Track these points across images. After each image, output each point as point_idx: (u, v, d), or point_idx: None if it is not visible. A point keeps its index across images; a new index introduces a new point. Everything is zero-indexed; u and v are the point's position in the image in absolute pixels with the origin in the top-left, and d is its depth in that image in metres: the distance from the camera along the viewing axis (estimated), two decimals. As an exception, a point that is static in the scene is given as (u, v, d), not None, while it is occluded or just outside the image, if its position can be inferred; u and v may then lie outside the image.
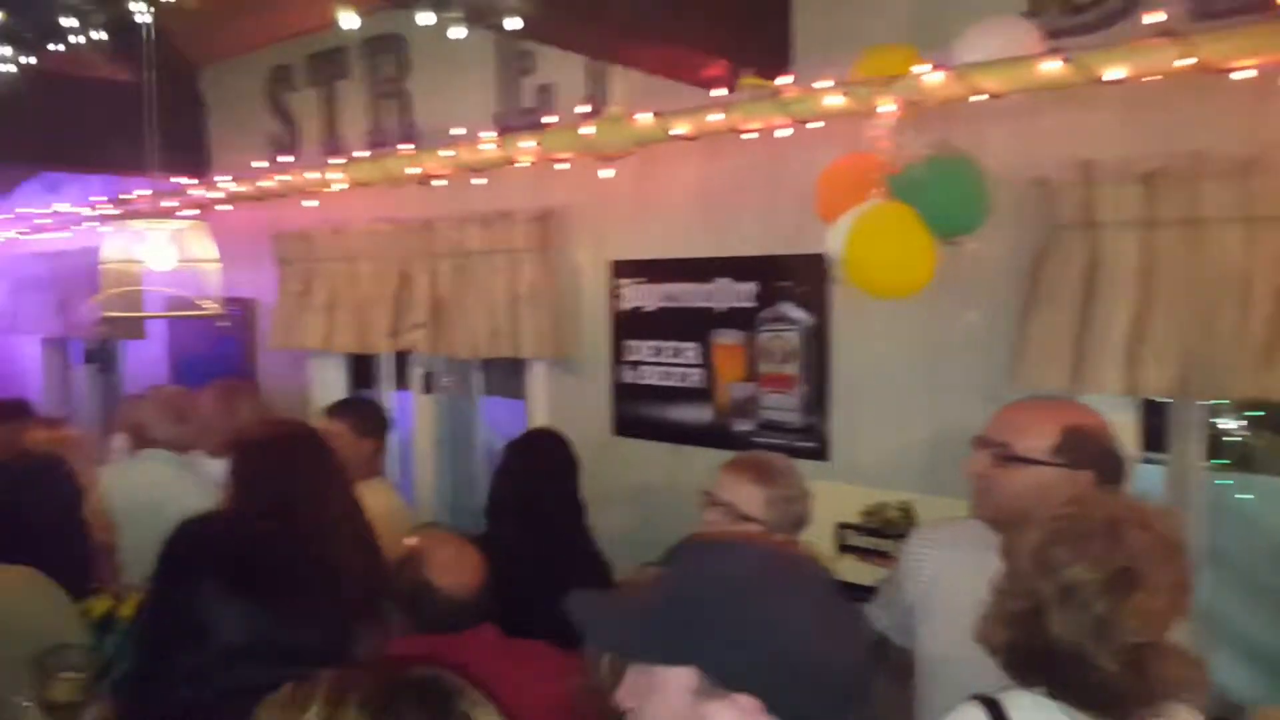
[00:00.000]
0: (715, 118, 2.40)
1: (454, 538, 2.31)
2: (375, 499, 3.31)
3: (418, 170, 3.34)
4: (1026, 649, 1.34)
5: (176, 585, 1.61)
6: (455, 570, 2.14)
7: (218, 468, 3.75)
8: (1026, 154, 2.32)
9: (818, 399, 2.73)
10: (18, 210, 5.13)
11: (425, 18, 2.24)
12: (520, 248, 3.28)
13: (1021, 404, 1.85)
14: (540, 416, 3.53)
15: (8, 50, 3.65)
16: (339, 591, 2.45)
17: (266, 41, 3.96)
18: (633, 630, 1.07)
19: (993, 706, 1.34)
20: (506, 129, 3.24)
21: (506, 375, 4.29)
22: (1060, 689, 1.32)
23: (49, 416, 3.70)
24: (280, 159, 3.94)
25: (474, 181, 3.21)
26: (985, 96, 2.13)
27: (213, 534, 1.70)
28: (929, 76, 2.14)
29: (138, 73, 4.01)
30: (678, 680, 1.02)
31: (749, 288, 2.86)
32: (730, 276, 2.90)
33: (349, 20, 2.31)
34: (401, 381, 4.26)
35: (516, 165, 3.03)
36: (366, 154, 3.53)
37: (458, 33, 2.39)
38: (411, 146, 3.41)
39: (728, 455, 2.26)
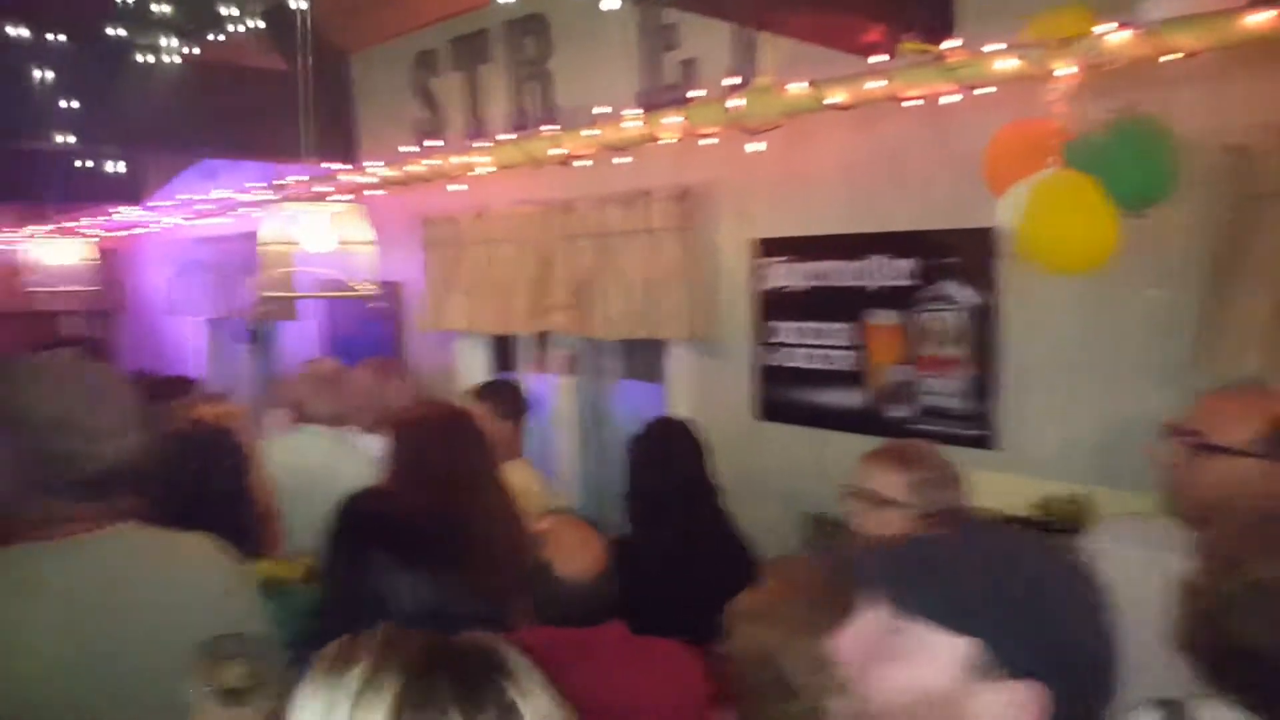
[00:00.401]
0: (875, 85, 2.28)
1: (580, 524, 2.28)
2: (517, 480, 3.36)
3: (560, 151, 3.34)
4: (1217, 653, 1.22)
5: (351, 558, 1.65)
6: (576, 557, 2.10)
7: (371, 443, 3.88)
8: (1219, 118, 2.12)
9: (984, 384, 2.58)
10: (179, 197, 5.41)
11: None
12: (660, 227, 3.24)
13: (1224, 391, 1.69)
14: (680, 401, 3.49)
15: (173, 41, 3.84)
16: (495, 568, 2.50)
17: (412, 27, 4.03)
18: (925, 582, 0.92)
19: (1175, 713, 1.23)
20: (650, 106, 3.19)
21: (647, 358, 4.28)
22: (1252, 697, 1.19)
23: (212, 392, 3.88)
24: (426, 143, 4.01)
25: (616, 161, 3.18)
26: (1177, 56, 1.95)
27: (381, 509, 1.73)
28: (1114, 36, 1.97)
29: (291, 61, 4.15)
30: (950, 651, 0.88)
31: (906, 265, 2.73)
32: (886, 253, 2.77)
33: (502, -2, 2.30)
34: (543, 363, 4.31)
35: (660, 142, 2.98)
36: (510, 136, 3.56)
37: (611, 3, 2.35)
38: (554, 127, 3.41)
39: (880, 442, 2.15)
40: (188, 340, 6.40)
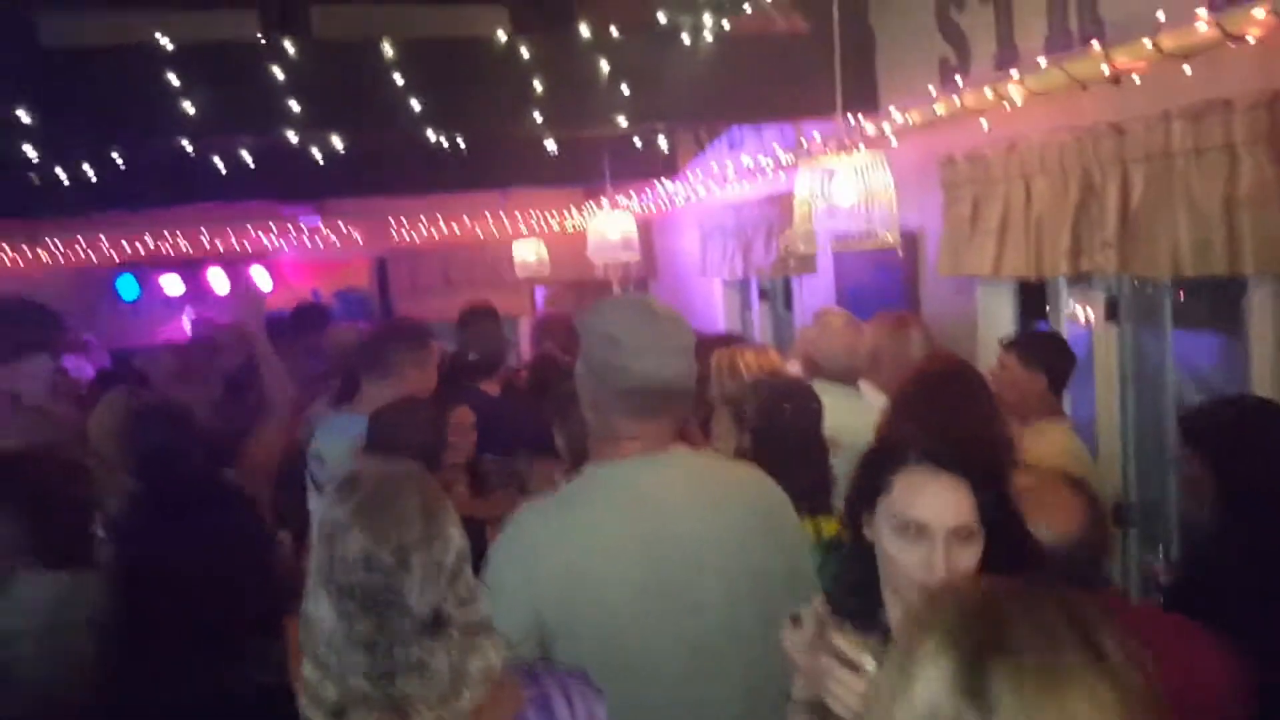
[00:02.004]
0: None
1: (1063, 482, 2.03)
2: (1049, 441, 3.12)
3: (1107, 69, 3.01)
4: None
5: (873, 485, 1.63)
6: (1056, 517, 1.87)
7: (881, 399, 3.88)
8: None
9: None
10: (711, 166, 5.89)
11: None
12: (1244, 140, 2.76)
13: None
14: (1264, 354, 2.97)
15: (707, 19, 4.15)
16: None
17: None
18: None
19: None
20: (1222, 4, 2.74)
21: (1213, 302, 3.72)
22: None
23: (756, 344, 4.16)
24: (951, 80, 3.89)
25: (1186, 70, 2.78)
26: None
27: None
28: None
29: (814, 20, 4.27)
30: None
31: None
32: None
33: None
34: (1079, 310, 3.96)
35: (1243, 40, 2.55)
36: (1043, 61, 3.30)
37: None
38: (1096, 44, 3.09)
39: None
40: (713, 301, 6.98)
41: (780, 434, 2.64)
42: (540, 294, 9.13)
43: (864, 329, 3.71)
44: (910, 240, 4.32)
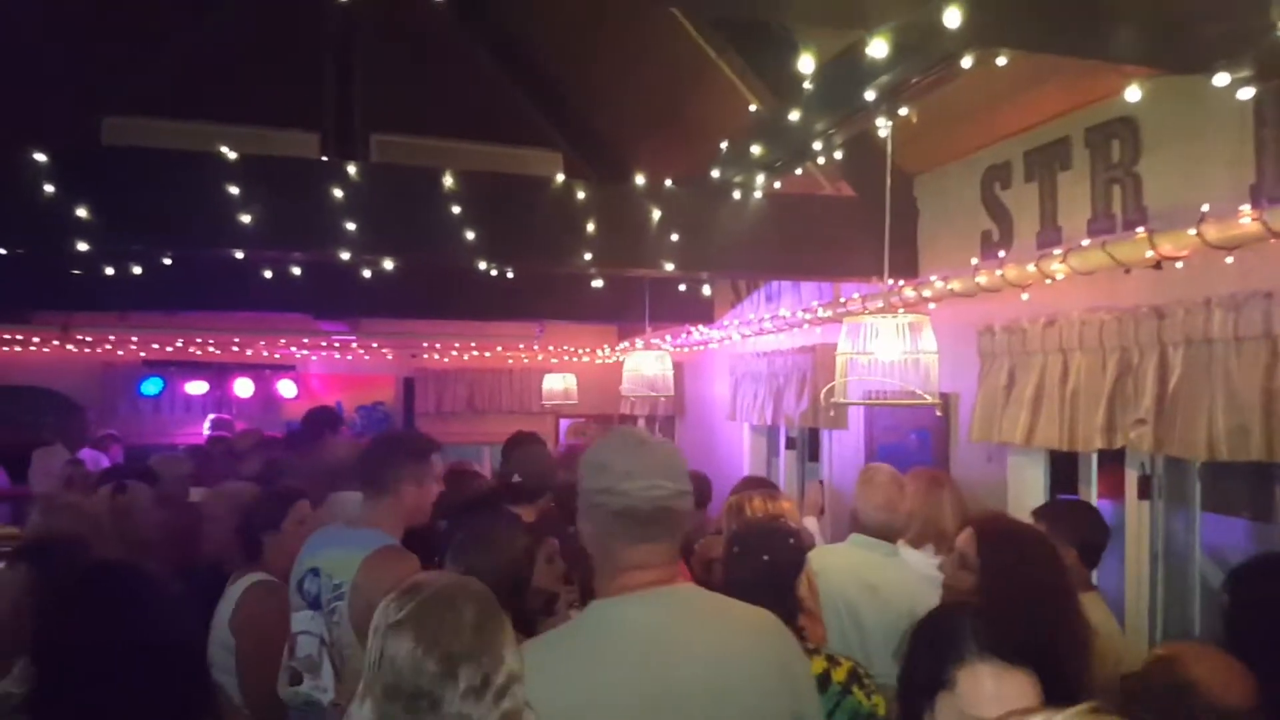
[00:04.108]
0: None
1: (1218, 652, 2.06)
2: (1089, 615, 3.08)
3: (1151, 254, 3.13)
4: None
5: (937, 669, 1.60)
6: (1232, 685, 1.90)
7: (919, 560, 3.85)
8: None
9: None
10: (749, 317, 6.04)
11: (1219, 79, 2.08)
12: (1284, 333, 2.84)
13: None
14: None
15: (759, 178, 4.34)
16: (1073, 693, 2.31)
17: (982, 144, 4.11)
18: None
19: None
20: (1267, 201, 2.87)
21: (1241, 487, 3.74)
22: None
23: (772, 490, 4.15)
24: (989, 254, 4.03)
25: (1227, 260, 2.89)
26: None
27: (976, 622, 1.65)
28: None
29: (860, 187, 4.46)
30: None
31: None
32: None
33: (1133, 93, 2.26)
34: (1106, 487, 3.97)
35: (1282, 238, 2.66)
36: (1087, 242, 3.43)
37: (1247, 94, 2.18)
38: (1140, 230, 3.22)
39: None
40: (739, 446, 7.01)
41: (749, 579, 2.60)
42: (564, 426, 9.19)
43: (907, 488, 3.71)
44: (943, 404, 4.38)
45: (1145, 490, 3.73)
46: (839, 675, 2.39)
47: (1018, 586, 2.33)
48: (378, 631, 1.31)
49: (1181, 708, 1.94)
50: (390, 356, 9.04)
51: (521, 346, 8.82)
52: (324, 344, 8.89)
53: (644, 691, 1.61)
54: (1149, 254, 3.09)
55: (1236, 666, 2.00)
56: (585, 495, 1.73)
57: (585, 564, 2.98)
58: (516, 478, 4.00)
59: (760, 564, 2.60)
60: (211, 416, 8.78)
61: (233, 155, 3.94)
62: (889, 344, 3.48)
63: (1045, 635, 2.23)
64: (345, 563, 2.82)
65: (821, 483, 5.51)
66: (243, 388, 9.21)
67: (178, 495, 5.07)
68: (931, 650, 1.56)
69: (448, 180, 4.21)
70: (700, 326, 6.95)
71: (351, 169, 4.11)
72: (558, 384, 8.10)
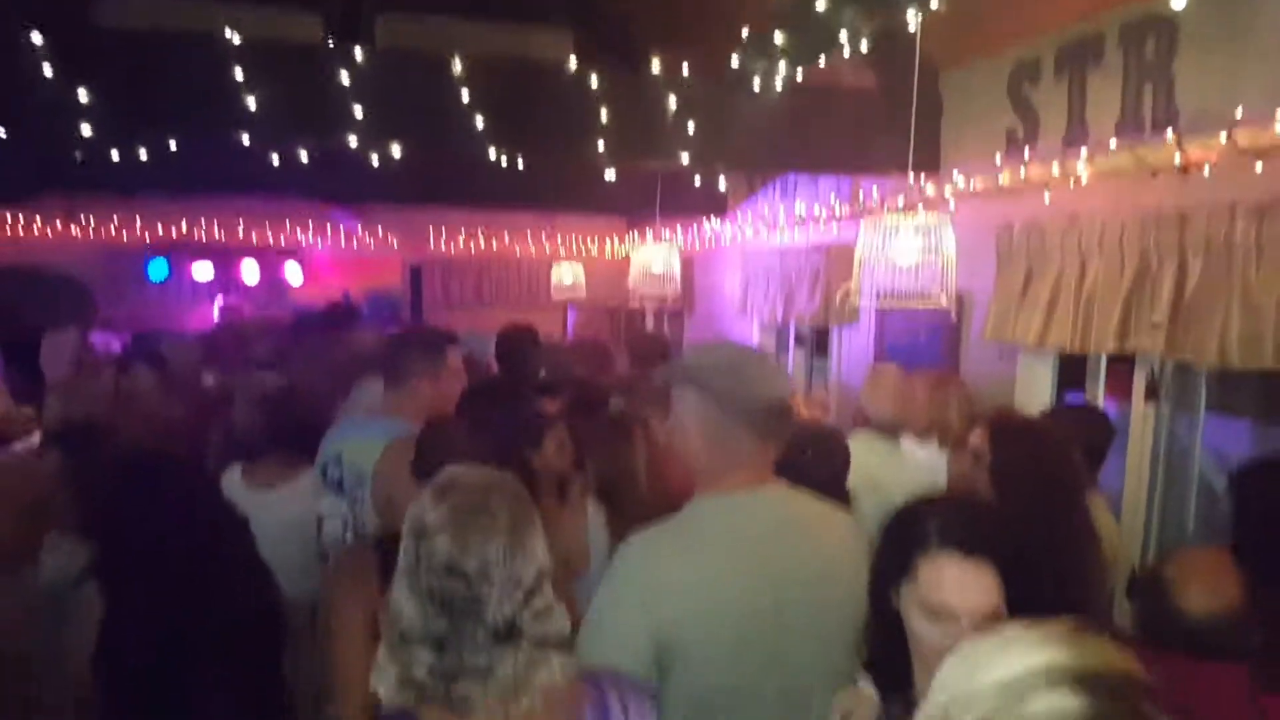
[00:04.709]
0: None
1: (1220, 555, 2.11)
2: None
3: (1179, 159, 3.07)
4: None
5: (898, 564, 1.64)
6: (1204, 583, 1.97)
7: (923, 453, 3.92)
8: None
9: None
10: (763, 210, 5.96)
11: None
12: (1309, 241, 2.81)
13: None
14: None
15: (781, 67, 4.22)
16: (1084, 593, 2.38)
17: (1012, 39, 3.98)
18: None
19: None
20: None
21: (1250, 391, 3.77)
22: None
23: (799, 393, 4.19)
24: (1014, 152, 3.95)
25: (1256, 166, 2.84)
26: None
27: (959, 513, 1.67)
28: None
29: (885, 79, 4.34)
30: None
31: None
32: None
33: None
34: (1112, 387, 4.00)
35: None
36: (1115, 144, 3.36)
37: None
38: (1170, 133, 3.15)
39: None
40: (748, 341, 7.01)
41: (797, 478, 2.66)
42: (572, 315, 9.19)
43: (916, 387, 3.74)
44: (957, 302, 4.37)
45: (1153, 393, 3.77)
46: None
47: (1029, 483, 2.36)
48: (413, 532, 1.34)
49: (1161, 609, 2.01)
50: (396, 245, 8.97)
51: (529, 234, 8.74)
52: (330, 229, 8.81)
53: (751, 580, 1.72)
54: (1177, 159, 3.04)
55: (1224, 569, 2.04)
56: (716, 396, 1.79)
57: (598, 453, 3.05)
58: (542, 373, 4.05)
59: (804, 461, 2.62)
60: (220, 301, 8.78)
61: (237, 39, 3.82)
62: (908, 244, 3.46)
63: (1055, 532, 2.30)
64: (367, 450, 2.92)
65: (827, 386, 5.56)
66: (249, 272, 9.15)
67: (188, 380, 5.12)
68: (897, 541, 1.61)
69: (456, 66, 4.10)
70: (713, 219, 6.87)
71: (358, 54, 4.00)
72: (566, 276, 8.06)
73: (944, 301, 3.48)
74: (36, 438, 4.11)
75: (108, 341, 7.84)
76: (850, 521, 1.98)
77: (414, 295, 9.24)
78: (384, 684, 1.30)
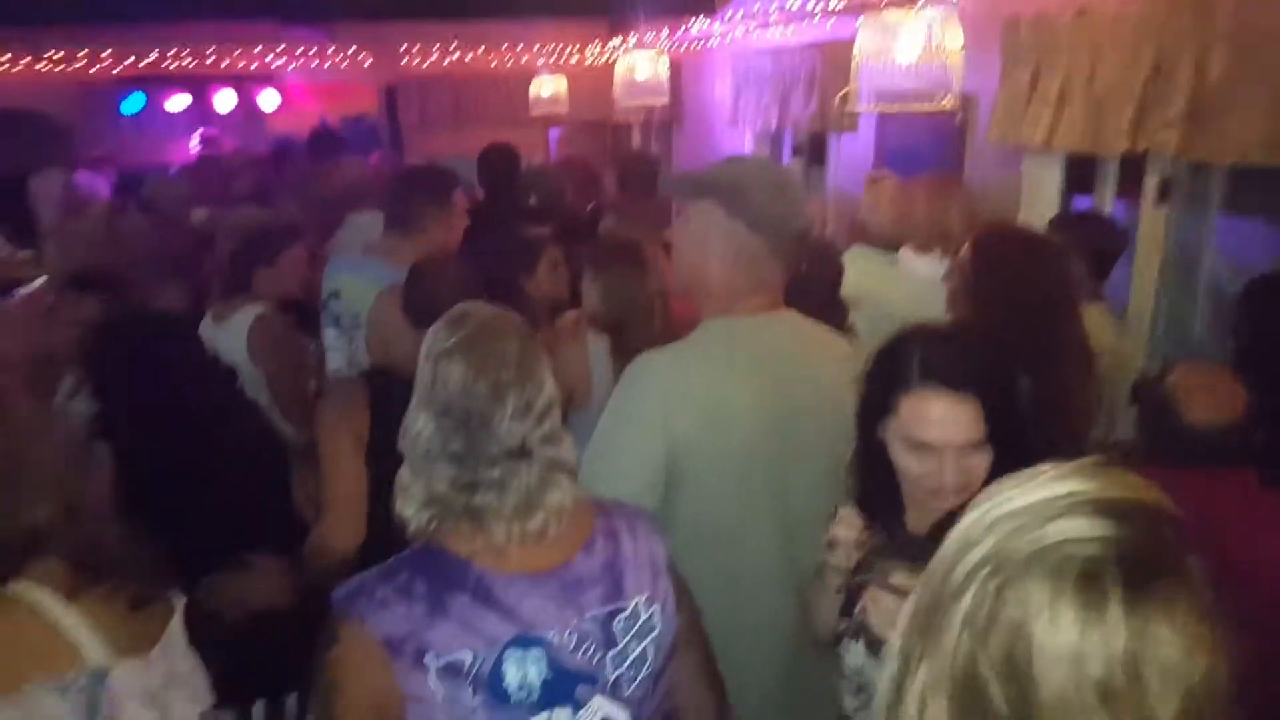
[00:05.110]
0: None
1: (1217, 370, 2.12)
2: (1091, 327, 3.11)
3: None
4: None
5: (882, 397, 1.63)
6: (1204, 397, 2.00)
7: (923, 266, 3.85)
8: None
9: None
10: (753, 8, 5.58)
11: None
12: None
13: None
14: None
15: None
16: (1068, 412, 2.39)
17: None
18: None
19: None
20: None
21: (1262, 187, 3.65)
22: None
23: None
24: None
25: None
26: None
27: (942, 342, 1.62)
28: None
29: None
30: None
31: None
32: None
33: None
34: (1123, 189, 3.88)
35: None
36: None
37: None
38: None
39: None
40: (741, 153, 6.78)
41: (791, 293, 2.62)
42: (554, 135, 8.89)
43: (917, 198, 3.63)
44: (962, 104, 4.17)
45: (1164, 195, 3.66)
46: None
47: (1011, 302, 2.31)
48: (429, 356, 1.41)
49: (1165, 424, 2.03)
50: (369, 64, 8.55)
51: (505, 47, 8.30)
52: (300, 51, 8.38)
53: (764, 403, 1.75)
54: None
55: (1223, 381, 2.04)
56: (756, 217, 1.76)
57: (608, 282, 3.00)
58: (533, 200, 3.95)
59: (798, 276, 2.61)
60: (199, 133, 8.50)
61: None
62: (910, 41, 3.26)
63: (1040, 351, 2.27)
64: (362, 293, 2.93)
65: (823, 197, 5.41)
66: (224, 101, 8.85)
67: (178, 218, 5.03)
68: (881, 375, 1.61)
69: None
70: (700, 19, 6.47)
71: None
72: (546, 88, 7.70)
73: (948, 103, 3.32)
74: (38, 283, 4.09)
75: (92, 181, 7.65)
76: (851, 353, 1.96)
77: (390, 118, 8.93)
78: (410, 504, 1.38)
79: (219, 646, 1.76)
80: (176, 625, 1.57)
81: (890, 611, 1.40)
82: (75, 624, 1.36)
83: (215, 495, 2.21)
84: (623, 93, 5.80)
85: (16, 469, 1.38)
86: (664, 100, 5.92)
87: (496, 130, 6.51)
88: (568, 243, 3.43)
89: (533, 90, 7.80)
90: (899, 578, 1.44)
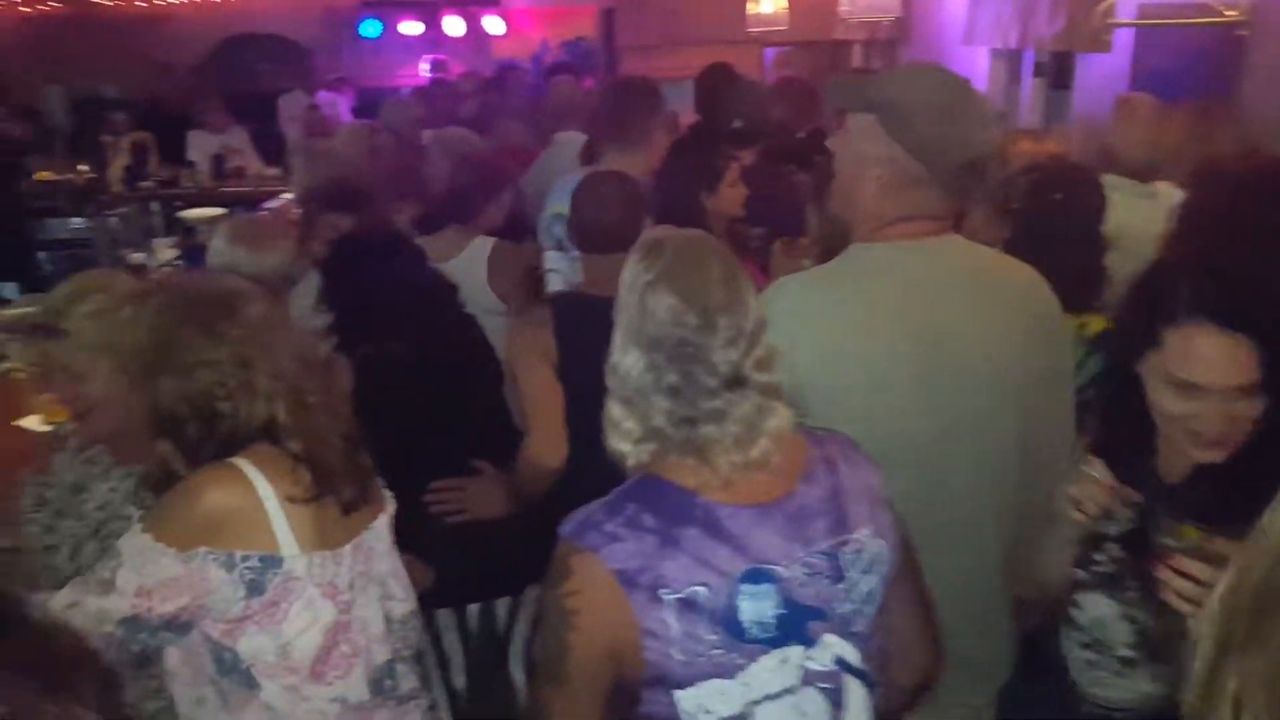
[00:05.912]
0: None
1: None
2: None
3: None
4: None
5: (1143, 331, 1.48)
6: None
7: (1179, 197, 3.47)
8: None
9: None
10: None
11: None
12: None
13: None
14: None
15: None
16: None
17: None
18: None
19: None
20: None
21: None
22: None
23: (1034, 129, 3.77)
24: None
25: None
26: None
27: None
28: None
29: None
30: None
31: None
32: None
33: None
34: None
35: None
36: None
37: None
38: None
39: None
40: (976, 75, 6.27)
41: (1049, 223, 2.38)
42: (769, 56, 8.60)
43: (1175, 121, 3.26)
44: (1247, 20, 3.67)
45: None
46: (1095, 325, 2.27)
47: (1238, 243, 2.03)
48: (633, 288, 1.36)
49: None
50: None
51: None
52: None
53: (901, 336, 1.61)
54: None
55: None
56: (920, 143, 1.61)
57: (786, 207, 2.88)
58: (737, 123, 3.84)
59: (1055, 206, 2.38)
60: (428, 58, 8.89)
61: None
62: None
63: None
64: None
65: (1066, 124, 4.96)
66: (453, 26, 9.20)
67: (411, 139, 5.27)
68: (1144, 306, 1.48)
69: None
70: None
71: None
72: (766, 5, 7.38)
73: (1233, 14, 2.91)
74: (285, 198, 4.40)
75: (333, 100, 8.19)
76: (1040, 283, 1.74)
77: (606, 39, 8.96)
78: (624, 439, 1.34)
79: (439, 550, 1.85)
80: (380, 525, 1.63)
81: (1193, 582, 1.26)
82: (275, 509, 1.43)
83: (442, 405, 2.30)
84: (848, 7, 5.47)
85: (250, 365, 1.45)
86: (895, 14, 5.54)
87: (712, 51, 6.37)
88: (774, 164, 3.31)
89: (750, 7, 7.52)
90: (1190, 538, 1.31)
